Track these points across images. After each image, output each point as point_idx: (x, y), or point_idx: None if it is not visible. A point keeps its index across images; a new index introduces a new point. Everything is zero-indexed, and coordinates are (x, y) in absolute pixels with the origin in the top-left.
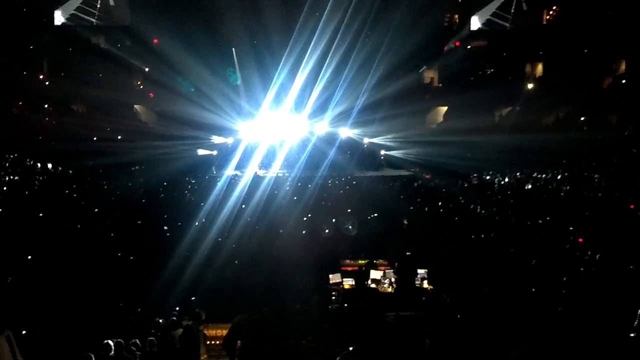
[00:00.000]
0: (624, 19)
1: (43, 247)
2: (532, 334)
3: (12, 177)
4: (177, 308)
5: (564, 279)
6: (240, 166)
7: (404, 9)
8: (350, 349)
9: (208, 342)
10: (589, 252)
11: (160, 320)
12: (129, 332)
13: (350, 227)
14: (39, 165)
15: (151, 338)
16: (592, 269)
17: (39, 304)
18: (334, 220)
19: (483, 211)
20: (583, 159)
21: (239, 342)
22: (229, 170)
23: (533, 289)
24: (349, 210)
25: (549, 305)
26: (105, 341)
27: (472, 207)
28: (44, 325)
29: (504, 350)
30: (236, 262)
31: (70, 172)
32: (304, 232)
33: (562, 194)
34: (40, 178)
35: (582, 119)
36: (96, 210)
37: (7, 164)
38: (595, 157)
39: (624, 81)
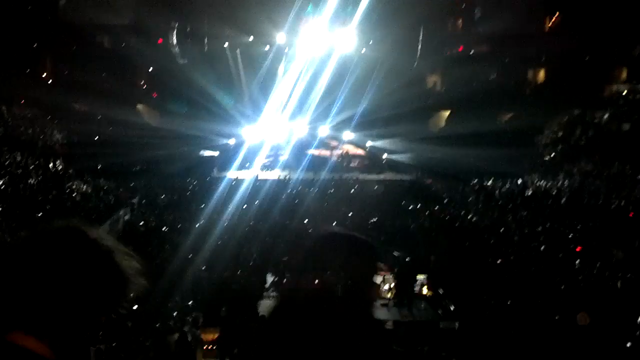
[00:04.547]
0: (626, 25)
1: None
2: (537, 342)
3: (12, 176)
4: (175, 313)
5: (563, 286)
6: (242, 168)
7: (407, 13)
8: None
9: (205, 347)
10: (588, 260)
11: (157, 325)
12: (126, 336)
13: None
14: (39, 162)
15: (147, 343)
16: (592, 277)
17: (36, 304)
18: (334, 223)
19: (484, 217)
20: (585, 165)
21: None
22: (231, 172)
23: (534, 296)
24: (350, 214)
25: (550, 313)
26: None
27: (473, 212)
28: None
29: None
30: (238, 267)
31: (71, 171)
32: (303, 236)
33: (562, 200)
34: (40, 177)
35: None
36: (96, 209)
37: (7, 163)
38: (597, 162)
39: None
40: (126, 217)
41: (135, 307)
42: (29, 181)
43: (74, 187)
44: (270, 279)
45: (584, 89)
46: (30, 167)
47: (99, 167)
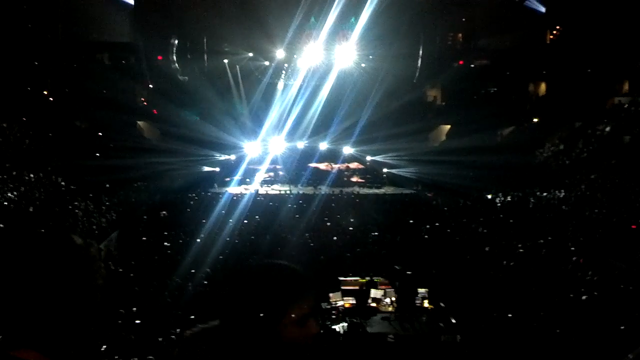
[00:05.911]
0: (627, 39)
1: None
2: (538, 355)
3: (13, 193)
4: (178, 330)
5: (566, 298)
6: (243, 183)
7: (407, 28)
8: None
9: None
10: (590, 273)
11: (160, 339)
12: (129, 351)
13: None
14: (41, 177)
15: (150, 357)
16: (594, 290)
17: (39, 319)
18: (335, 238)
19: (485, 230)
20: (585, 178)
21: None
22: (231, 187)
23: (535, 309)
24: (351, 229)
25: (551, 326)
26: None
27: (474, 226)
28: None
29: None
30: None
31: (73, 187)
32: (305, 250)
33: (564, 213)
34: (42, 193)
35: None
36: (97, 226)
37: (9, 179)
38: (599, 174)
39: (625, 105)
40: (127, 233)
41: (137, 321)
42: (31, 196)
43: (75, 203)
44: None
45: (585, 102)
46: (33, 183)
47: (106, 185)
